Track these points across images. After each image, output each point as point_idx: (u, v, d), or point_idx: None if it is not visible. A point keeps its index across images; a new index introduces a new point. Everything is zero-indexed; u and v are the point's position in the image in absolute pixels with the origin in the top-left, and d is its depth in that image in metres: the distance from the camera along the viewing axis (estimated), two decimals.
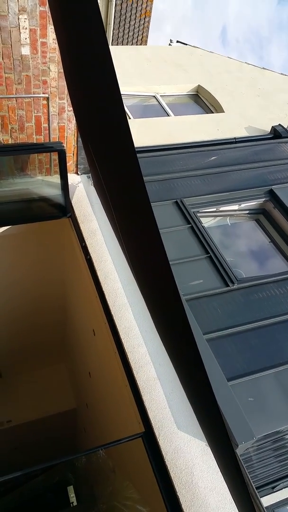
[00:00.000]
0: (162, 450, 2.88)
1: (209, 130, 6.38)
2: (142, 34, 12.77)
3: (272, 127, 6.55)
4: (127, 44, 12.51)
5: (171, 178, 5.23)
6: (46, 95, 4.30)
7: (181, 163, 5.51)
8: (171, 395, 3.16)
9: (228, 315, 3.93)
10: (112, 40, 11.83)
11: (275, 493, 7.07)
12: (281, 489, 7.34)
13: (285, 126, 6.86)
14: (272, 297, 4.22)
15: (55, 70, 4.15)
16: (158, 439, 2.93)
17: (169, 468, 2.80)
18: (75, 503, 4.92)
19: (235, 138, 6.19)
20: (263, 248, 5.46)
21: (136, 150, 1.40)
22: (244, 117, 6.91)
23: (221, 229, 5.47)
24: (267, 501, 7.50)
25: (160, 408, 3.07)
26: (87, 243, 4.37)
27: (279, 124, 6.61)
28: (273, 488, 7.12)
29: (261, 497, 7.50)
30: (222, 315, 3.92)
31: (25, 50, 3.95)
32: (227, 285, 4.21)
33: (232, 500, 2.66)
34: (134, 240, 2.31)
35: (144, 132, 5.96)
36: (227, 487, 2.71)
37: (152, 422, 3.01)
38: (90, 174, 5.09)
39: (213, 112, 7.25)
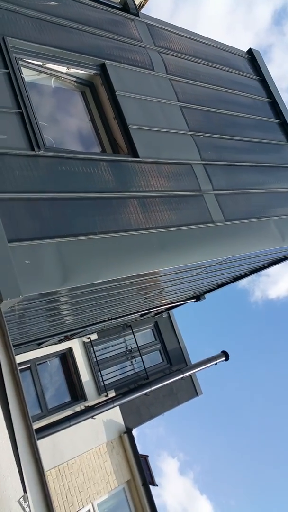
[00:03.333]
0: None
1: None
2: None
3: None
4: None
5: None
6: None
7: None
8: None
9: (26, 180, 3.77)
10: None
11: (40, 349, 7.88)
12: (45, 346, 8.17)
13: (137, 3, 6.40)
14: (74, 174, 4.21)
15: None
16: None
17: None
18: None
19: None
20: (81, 125, 5.28)
21: None
22: None
23: (43, 89, 4.98)
24: (32, 355, 8.29)
25: None
26: None
27: None
28: (38, 345, 7.86)
29: (27, 351, 8.19)
30: (19, 178, 3.73)
31: None
32: (33, 149, 3.97)
33: None
34: None
35: None
36: None
37: None
38: None
39: None
